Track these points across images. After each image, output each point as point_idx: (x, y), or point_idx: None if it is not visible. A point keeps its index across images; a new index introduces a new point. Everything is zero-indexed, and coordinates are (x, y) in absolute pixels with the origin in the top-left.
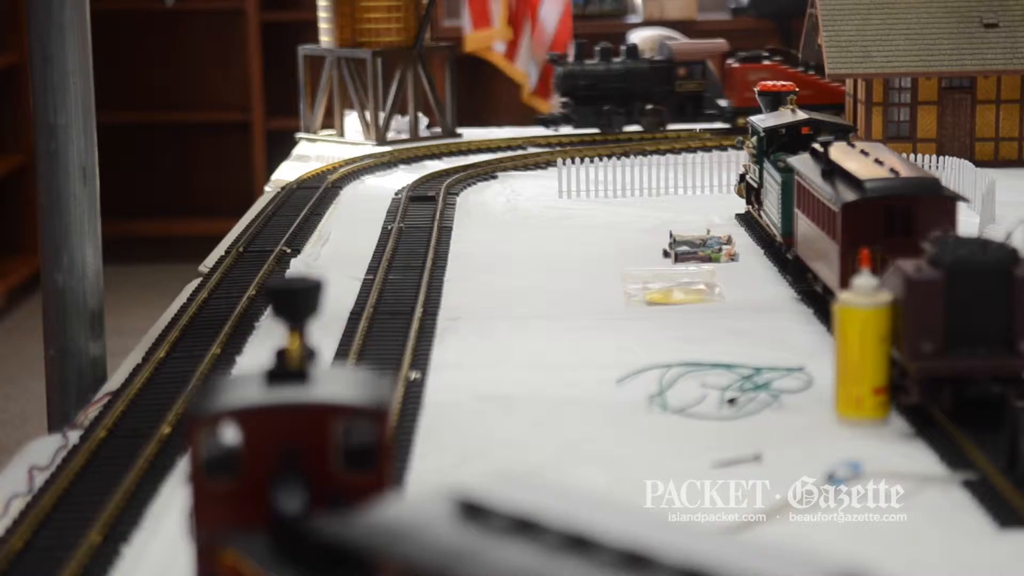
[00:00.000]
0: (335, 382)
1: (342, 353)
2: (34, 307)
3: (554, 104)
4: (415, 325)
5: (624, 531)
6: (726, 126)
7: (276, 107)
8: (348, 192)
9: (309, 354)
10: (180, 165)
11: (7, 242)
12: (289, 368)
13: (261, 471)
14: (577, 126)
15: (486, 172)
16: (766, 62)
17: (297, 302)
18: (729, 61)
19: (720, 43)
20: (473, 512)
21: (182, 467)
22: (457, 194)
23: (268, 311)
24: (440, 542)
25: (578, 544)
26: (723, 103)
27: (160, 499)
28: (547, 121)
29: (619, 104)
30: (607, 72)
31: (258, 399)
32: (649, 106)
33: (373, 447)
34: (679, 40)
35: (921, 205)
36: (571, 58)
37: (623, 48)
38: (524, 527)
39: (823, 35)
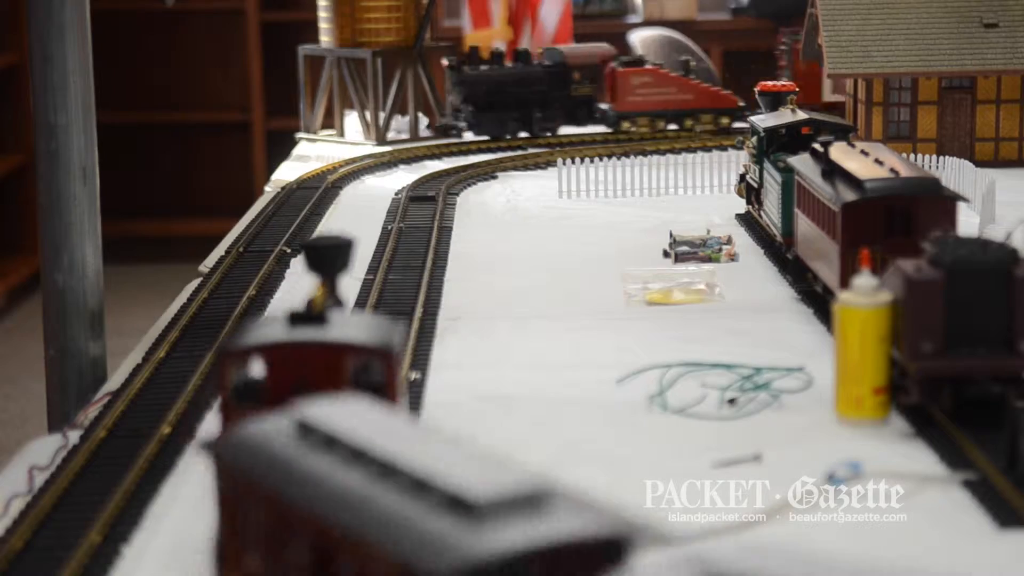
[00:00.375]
0: (351, 326)
1: None
2: (34, 307)
3: (449, 111)
4: (415, 325)
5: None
6: (609, 130)
7: (276, 107)
8: (348, 192)
9: (336, 303)
10: (180, 165)
11: (7, 242)
12: (312, 313)
13: (282, 401)
14: (477, 133)
15: (486, 172)
16: (648, 67)
17: (327, 257)
18: (612, 65)
19: (608, 48)
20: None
21: (182, 467)
22: (457, 194)
23: (302, 264)
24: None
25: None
26: (604, 107)
27: (160, 499)
28: (446, 128)
29: (516, 109)
30: (505, 77)
31: (280, 337)
32: (539, 113)
33: (382, 386)
34: (571, 45)
35: (921, 205)
36: (467, 62)
37: (516, 52)
38: (353, 453)
39: (823, 35)
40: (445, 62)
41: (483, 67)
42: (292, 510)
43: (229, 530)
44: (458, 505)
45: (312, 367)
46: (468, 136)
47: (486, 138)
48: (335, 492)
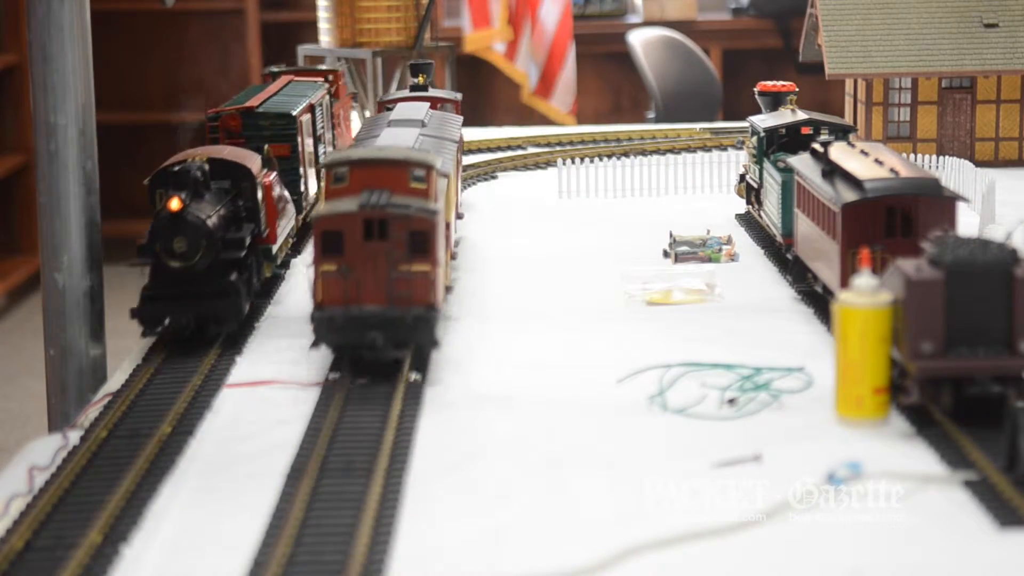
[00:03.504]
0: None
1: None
2: (34, 307)
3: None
4: None
5: None
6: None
7: None
8: None
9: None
10: None
11: (7, 242)
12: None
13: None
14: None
15: (486, 172)
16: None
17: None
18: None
19: None
20: None
21: (182, 467)
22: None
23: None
24: None
25: None
26: None
27: (160, 499)
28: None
29: None
30: None
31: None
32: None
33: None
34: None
35: (921, 205)
36: None
37: None
38: None
39: (823, 35)
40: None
41: None
42: None
43: None
44: None
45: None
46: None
47: (487, 138)
48: None
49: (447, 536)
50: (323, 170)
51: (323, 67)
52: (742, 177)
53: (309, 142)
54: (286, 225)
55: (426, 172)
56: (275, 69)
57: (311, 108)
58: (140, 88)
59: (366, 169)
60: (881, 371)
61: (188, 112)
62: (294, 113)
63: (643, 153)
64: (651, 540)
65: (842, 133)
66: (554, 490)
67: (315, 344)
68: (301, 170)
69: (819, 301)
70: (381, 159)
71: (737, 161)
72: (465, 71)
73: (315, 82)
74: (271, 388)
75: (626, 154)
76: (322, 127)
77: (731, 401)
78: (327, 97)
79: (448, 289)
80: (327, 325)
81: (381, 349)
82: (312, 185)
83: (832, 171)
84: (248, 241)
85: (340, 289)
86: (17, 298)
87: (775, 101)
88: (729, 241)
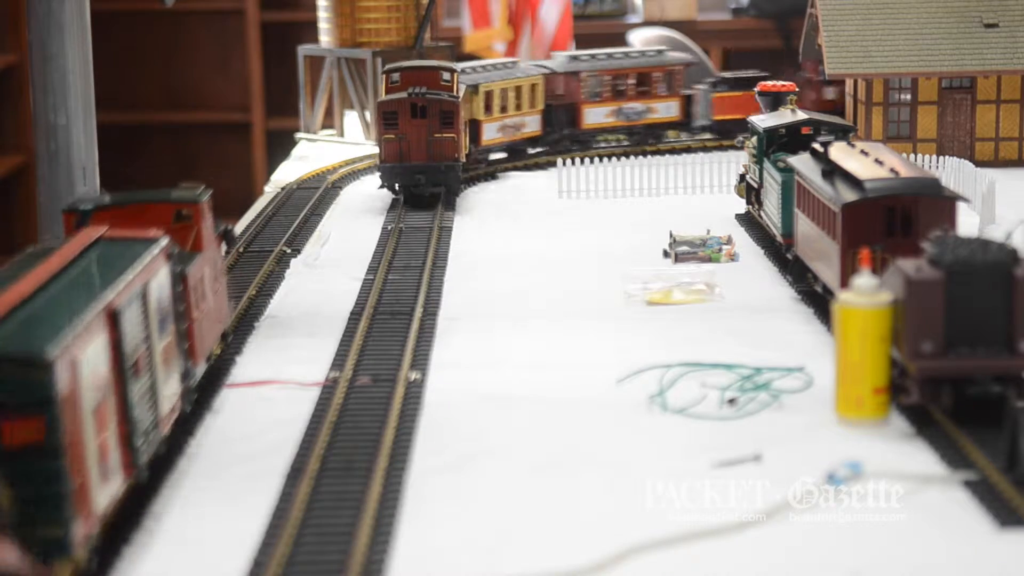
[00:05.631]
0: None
1: (342, 353)
2: None
3: None
4: (415, 325)
5: None
6: None
7: (276, 107)
8: (348, 192)
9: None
10: (180, 165)
11: (7, 242)
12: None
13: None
14: None
15: (486, 172)
16: None
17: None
18: None
19: None
20: None
21: (182, 467)
22: (457, 194)
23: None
24: None
25: None
26: None
27: (160, 499)
28: None
29: None
30: None
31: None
32: None
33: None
34: None
35: (921, 205)
36: None
37: None
38: None
39: (823, 35)
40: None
41: None
42: None
43: None
44: None
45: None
46: None
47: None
48: None
49: (447, 536)
50: (383, 75)
51: (177, 192)
52: (742, 177)
53: (99, 401)
54: None
55: (451, 73)
56: (86, 207)
57: (114, 316)
58: (140, 88)
59: (411, 73)
60: (881, 371)
61: None
62: (49, 356)
63: (643, 153)
64: (651, 540)
65: (842, 133)
66: (554, 490)
67: (382, 186)
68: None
69: (819, 301)
70: (421, 66)
71: (737, 161)
72: None
73: (147, 240)
74: (271, 388)
75: (626, 154)
76: (161, 333)
77: (731, 401)
78: (167, 269)
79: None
80: (389, 173)
81: (424, 186)
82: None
83: (832, 171)
84: None
85: (396, 150)
86: None
87: (775, 101)
88: (729, 241)
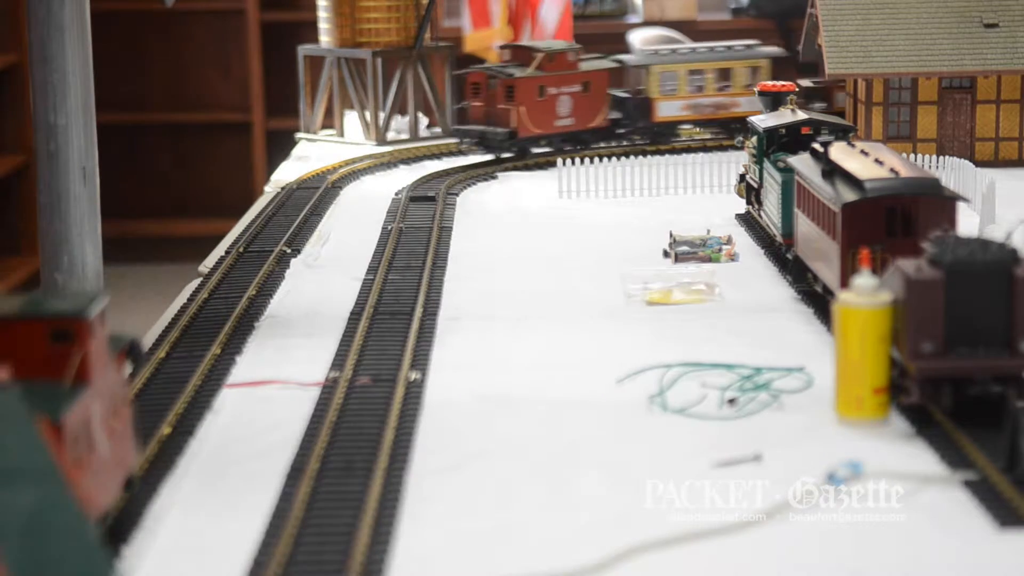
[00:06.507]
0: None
1: (342, 353)
2: None
3: None
4: (415, 325)
5: None
6: None
7: (276, 107)
8: (348, 192)
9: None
10: (180, 165)
11: (7, 242)
12: None
13: None
14: None
15: (486, 172)
16: None
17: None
18: None
19: None
20: None
21: (182, 467)
22: (457, 194)
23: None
24: None
25: None
26: None
27: (160, 499)
28: None
29: None
30: None
31: None
32: None
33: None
34: None
35: (921, 205)
36: None
37: None
38: None
39: (823, 35)
40: None
41: None
42: None
43: None
44: None
45: None
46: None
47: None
48: None
49: (447, 536)
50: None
51: (55, 302)
52: (742, 177)
53: None
54: None
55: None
56: None
57: None
58: (140, 88)
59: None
60: (881, 371)
61: None
62: None
63: (643, 153)
64: (651, 540)
65: (842, 133)
66: (554, 490)
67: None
68: None
69: (819, 301)
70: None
71: (737, 161)
72: None
73: None
74: (271, 388)
75: (626, 154)
76: None
77: (731, 401)
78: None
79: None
80: (464, 132)
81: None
82: None
83: (832, 171)
84: None
85: (480, 114)
86: None
87: (775, 101)
88: (729, 241)
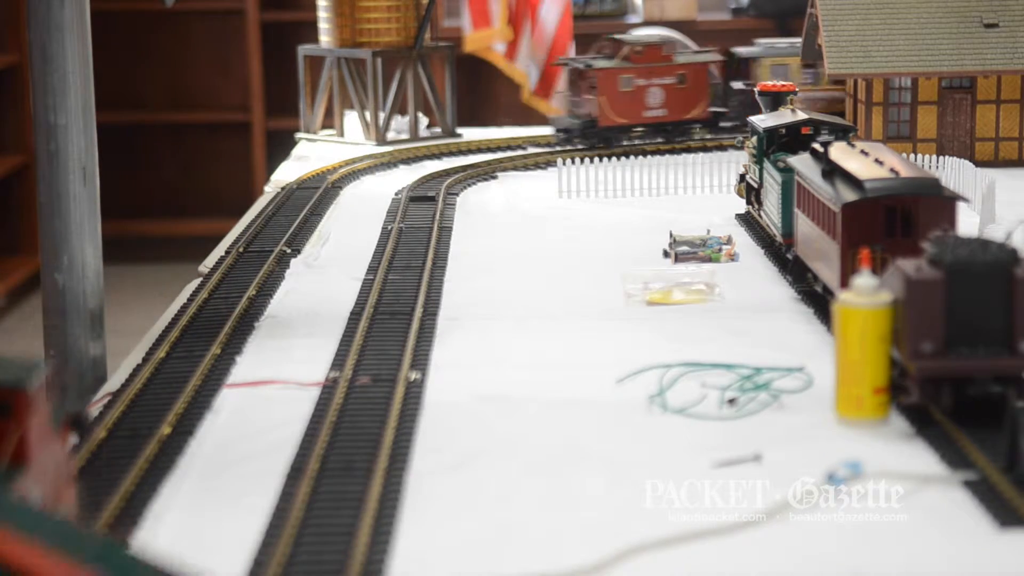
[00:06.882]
0: None
1: (342, 353)
2: (34, 307)
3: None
4: (415, 325)
5: None
6: None
7: (276, 107)
8: (348, 192)
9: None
10: (180, 165)
11: (7, 242)
12: None
13: None
14: None
15: (486, 172)
16: None
17: None
18: None
19: None
20: None
21: (182, 467)
22: (457, 194)
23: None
24: None
25: None
26: None
27: (160, 499)
28: None
29: None
30: None
31: None
32: None
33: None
34: None
35: (921, 205)
36: None
37: None
38: None
39: (823, 35)
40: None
41: None
42: None
43: None
44: None
45: None
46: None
47: (487, 138)
48: None
49: (447, 536)
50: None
51: None
52: (742, 177)
53: None
54: None
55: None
56: None
57: None
58: (140, 88)
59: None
60: (881, 371)
61: None
62: None
63: (643, 153)
64: (651, 540)
65: (842, 133)
66: (554, 490)
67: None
68: None
69: (819, 301)
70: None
71: (737, 161)
72: (465, 71)
73: None
74: (271, 388)
75: (626, 154)
76: None
77: (731, 401)
78: None
79: None
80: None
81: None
82: None
83: (832, 171)
84: None
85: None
86: (17, 298)
87: (775, 101)
88: (729, 241)
